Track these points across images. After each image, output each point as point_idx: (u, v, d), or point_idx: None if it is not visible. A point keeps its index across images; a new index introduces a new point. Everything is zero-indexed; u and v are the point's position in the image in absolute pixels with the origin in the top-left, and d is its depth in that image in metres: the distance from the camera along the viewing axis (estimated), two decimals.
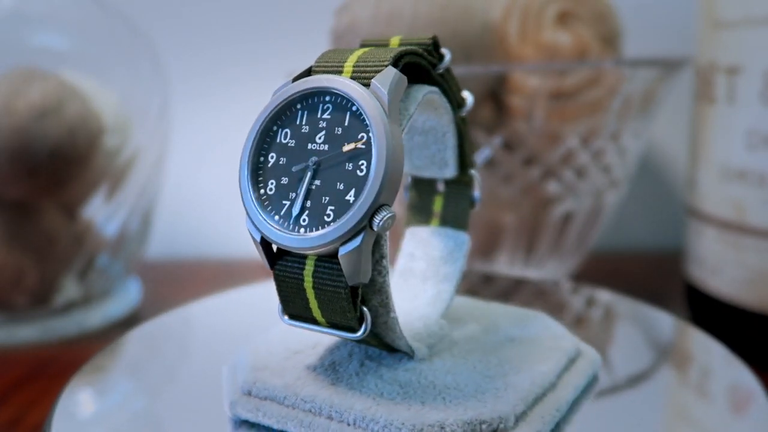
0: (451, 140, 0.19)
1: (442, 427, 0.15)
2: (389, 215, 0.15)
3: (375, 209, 0.15)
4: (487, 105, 0.32)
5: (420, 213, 0.21)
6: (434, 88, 0.18)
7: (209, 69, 0.46)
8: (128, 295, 0.37)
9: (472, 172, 0.20)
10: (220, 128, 0.47)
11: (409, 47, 0.17)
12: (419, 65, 0.17)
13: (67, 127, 0.30)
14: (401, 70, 0.16)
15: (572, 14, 0.33)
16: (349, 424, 0.16)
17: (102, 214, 0.34)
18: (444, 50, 0.18)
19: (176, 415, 0.18)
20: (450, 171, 0.20)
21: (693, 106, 0.32)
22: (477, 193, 0.21)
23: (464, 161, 0.20)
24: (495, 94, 0.32)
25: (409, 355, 0.17)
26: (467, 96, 0.19)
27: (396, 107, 0.16)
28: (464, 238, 0.20)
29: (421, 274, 0.20)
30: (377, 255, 0.16)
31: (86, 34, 0.34)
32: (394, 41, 0.18)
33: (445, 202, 0.21)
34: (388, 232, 0.16)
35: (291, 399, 0.17)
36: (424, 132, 0.20)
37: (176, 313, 0.24)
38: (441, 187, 0.21)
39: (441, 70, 0.18)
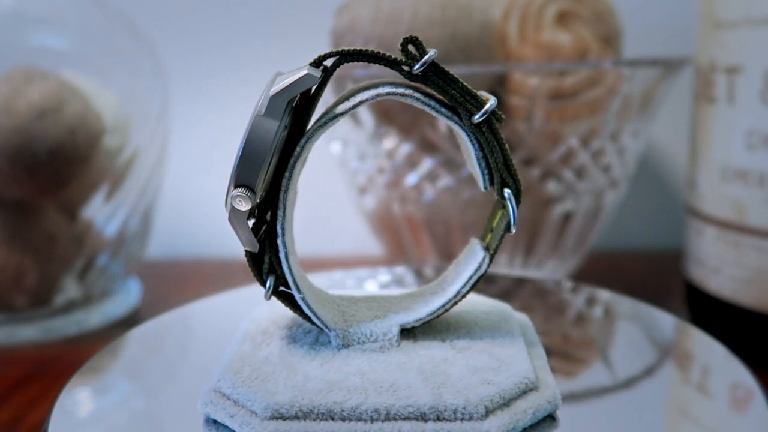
0: (471, 150, 0.18)
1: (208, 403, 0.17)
2: (235, 194, 0.17)
3: (234, 187, 0.17)
4: None
5: (487, 224, 0.20)
6: (399, 89, 0.17)
7: (209, 69, 0.46)
8: (128, 295, 0.37)
9: (506, 191, 0.18)
10: (220, 128, 0.47)
11: (344, 49, 0.17)
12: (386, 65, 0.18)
13: (67, 127, 0.30)
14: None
15: (572, 14, 0.33)
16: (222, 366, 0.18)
17: (102, 214, 0.34)
18: (429, 50, 0.17)
19: (176, 415, 0.18)
20: (481, 185, 0.19)
21: (693, 106, 0.32)
22: (512, 216, 0.18)
23: (492, 176, 0.18)
24: (495, 94, 0.32)
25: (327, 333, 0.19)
26: (487, 99, 0.17)
27: (277, 103, 0.17)
28: (479, 260, 0.19)
29: (443, 282, 0.20)
30: (272, 233, 0.18)
31: (86, 34, 0.34)
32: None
33: (500, 218, 0.19)
34: (280, 213, 0.18)
35: (241, 332, 0.19)
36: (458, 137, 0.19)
37: (176, 313, 0.24)
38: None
39: (417, 71, 0.17)
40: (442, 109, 0.17)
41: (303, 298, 0.18)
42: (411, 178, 0.33)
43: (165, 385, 0.19)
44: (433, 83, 0.17)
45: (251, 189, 0.17)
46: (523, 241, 0.34)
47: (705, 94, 0.30)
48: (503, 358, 0.17)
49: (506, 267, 0.35)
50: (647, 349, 0.21)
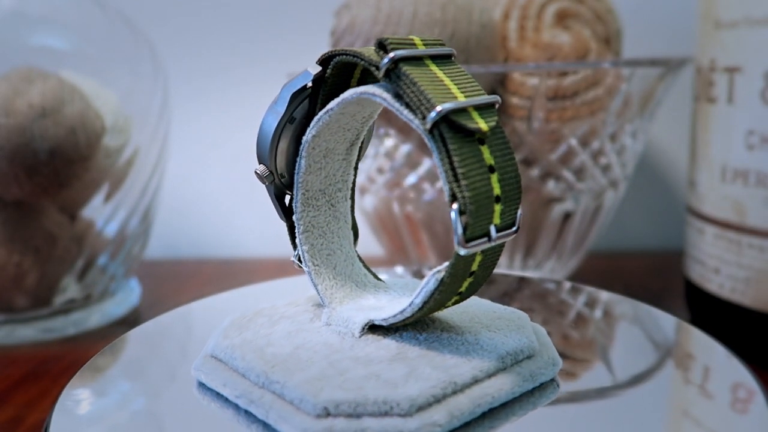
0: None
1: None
2: (255, 170, 0.19)
3: (258, 164, 0.20)
4: None
5: None
6: (371, 89, 0.17)
7: (209, 69, 0.46)
8: (128, 295, 0.37)
9: (453, 207, 0.16)
10: (219, 128, 0.47)
11: (335, 49, 0.18)
12: (357, 65, 0.19)
13: (68, 127, 0.30)
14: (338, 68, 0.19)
15: (572, 14, 0.33)
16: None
17: (102, 214, 0.34)
18: (394, 50, 0.17)
19: (176, 415, 0.18)
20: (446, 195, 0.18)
21: (693, 106, 0.32)
22: (455, 236, 0.16)
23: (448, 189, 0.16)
24: (495, 94, 0.32)
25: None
26: (437, 105, 0.16)
27: (283, 97, 0.19)
28: (432, 273, 0.17)
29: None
30: (290, 210, 0.20)
31: (86, 34, 0.34)
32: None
33: None
34: (295, 192, 0.20)
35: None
36: None
37: (176, 313, 0.24)
38: None
39: (382, 71, 0.17)
40: (405, 111, 0.17)
41: (309, 272, 0.20)
42: (411, 178, 0.33)
43: (165, 385, 0.19)
44: (396, 85, 0.17)
45: (267, 167, 0.19)
46: (522, 242, 0.34)
47: (705, 94, 0.30)
48: (413, 378, 0.17)
49: (506, 267, 0.35)
50: (647, 350, 0.21)
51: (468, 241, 0.16)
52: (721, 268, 0.29)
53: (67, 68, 0.32)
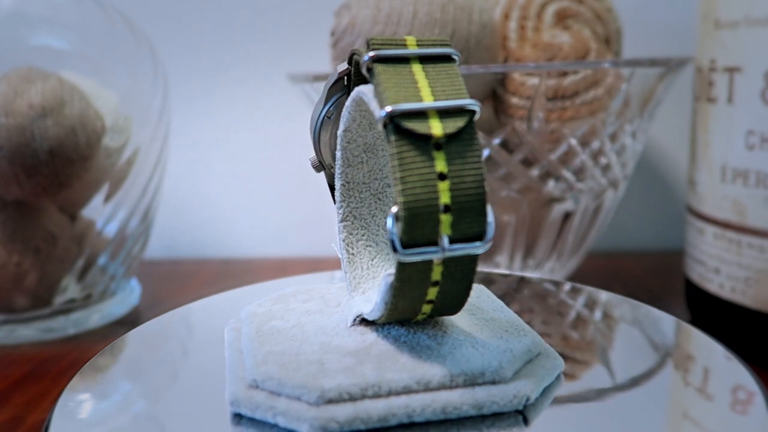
0: None
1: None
2: (309, 158, 0.21)
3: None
4: (487, 105, 0.32)
5: None
6: (362, 88, 0.17)
7: (209, 69, 0.46)
8: (128, 295, 0.37)
9: (392, 212, 0.16)
10: (219, 128, 0.47)
11: (356, 48, 0.19)
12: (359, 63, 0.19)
13: (68, 127, 0.30)
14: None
15: (572, 14, 0.33)
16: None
17: (102, 214, 0.34)
18: (375, 50, 0.17)
19: (177, 416, 0.18)
20: None
21: (693, 106, 0.32)
22: (390, 242, 0.15)
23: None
24: (495, 94, 0.32)
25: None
26: (387, 106, 0.15)
27: (322, 91, 0.20)
28: (382, 280, 0.17)
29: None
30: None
31: (86, 34, 0.34)
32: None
33: None
34: (336, 184, 0.21)
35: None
36: None
37: (176, 313, 0.24)
38: None
39: (363, 70, 0.17)
40: (377, 111, 0.16)
41: (342, 259, 0.21)
42: None
43: (166, 386, 0.19)
44: (373, 83, 0.17)
45: (317, 157, 0.21)
46: (522, 242, 0.34)
47: (705, 94, 0.30)
48: (344, 372, 0.17)
49: (506, 267, 0.35)
50: (647, 351, 0.21)
51: (406, 247, 0.15)
52: (721, 268, 0.29)
53: (67, 68, 0.32)
